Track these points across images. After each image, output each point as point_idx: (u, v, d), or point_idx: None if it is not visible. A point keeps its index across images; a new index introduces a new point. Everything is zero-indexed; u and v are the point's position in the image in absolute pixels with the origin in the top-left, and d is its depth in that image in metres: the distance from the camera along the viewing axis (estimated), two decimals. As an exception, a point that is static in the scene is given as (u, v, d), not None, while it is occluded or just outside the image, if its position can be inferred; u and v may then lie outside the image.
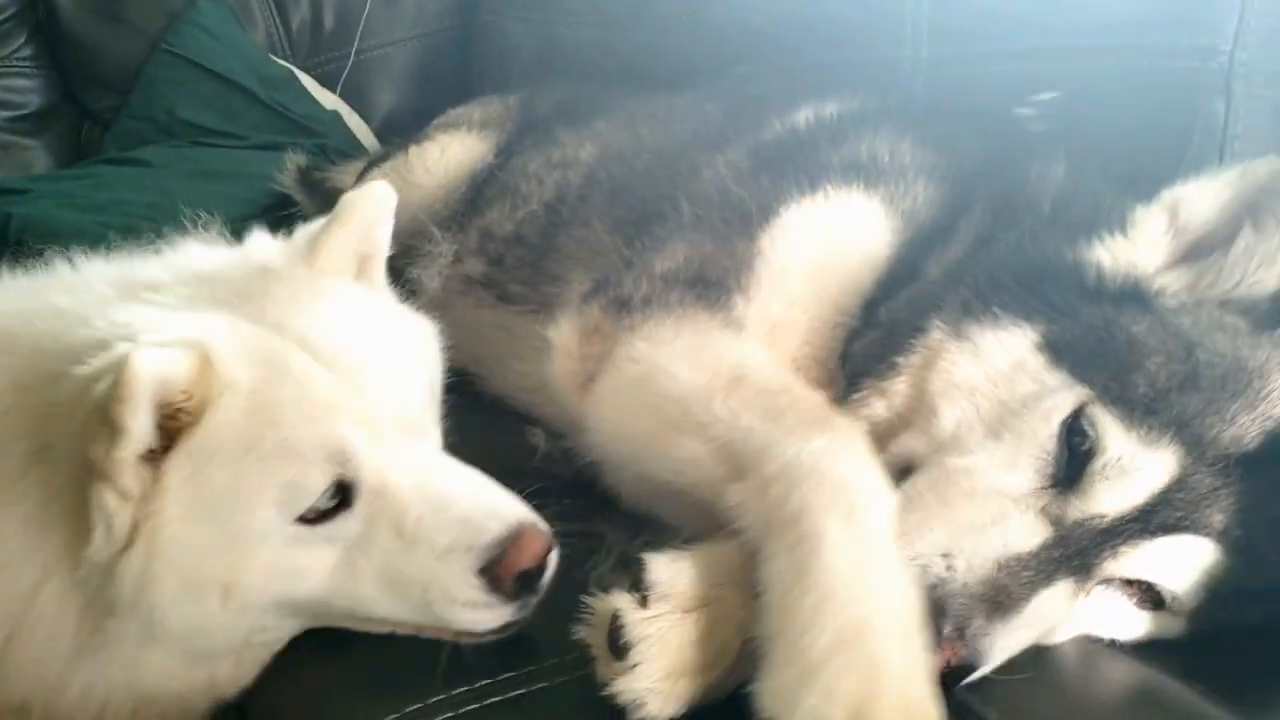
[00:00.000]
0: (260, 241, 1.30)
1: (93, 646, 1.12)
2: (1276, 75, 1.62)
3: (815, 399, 1.25)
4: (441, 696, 1.14)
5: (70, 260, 1.33)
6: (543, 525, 1.15)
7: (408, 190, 2.22)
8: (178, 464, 1.04)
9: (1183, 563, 1.15)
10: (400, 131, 2.84)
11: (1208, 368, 1.18)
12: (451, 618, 1.13)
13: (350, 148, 2.98)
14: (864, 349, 1.37)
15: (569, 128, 2.09)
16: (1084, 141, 1.62)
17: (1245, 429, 1.16)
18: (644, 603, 1.08)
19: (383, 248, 1.31)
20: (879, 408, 1.30)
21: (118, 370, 0.97)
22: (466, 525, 1.11)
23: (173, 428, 1.03)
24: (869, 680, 0.95)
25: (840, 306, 1.40)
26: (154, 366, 0.97)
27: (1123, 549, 1.14)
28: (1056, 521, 1.14)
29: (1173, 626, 1.21)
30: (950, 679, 1.04)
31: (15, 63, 3.04)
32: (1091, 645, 1.21)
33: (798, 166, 1.52)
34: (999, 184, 1.47)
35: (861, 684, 0.95)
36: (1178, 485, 1.14)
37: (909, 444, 1.26)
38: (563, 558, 1.18)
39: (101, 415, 1.00)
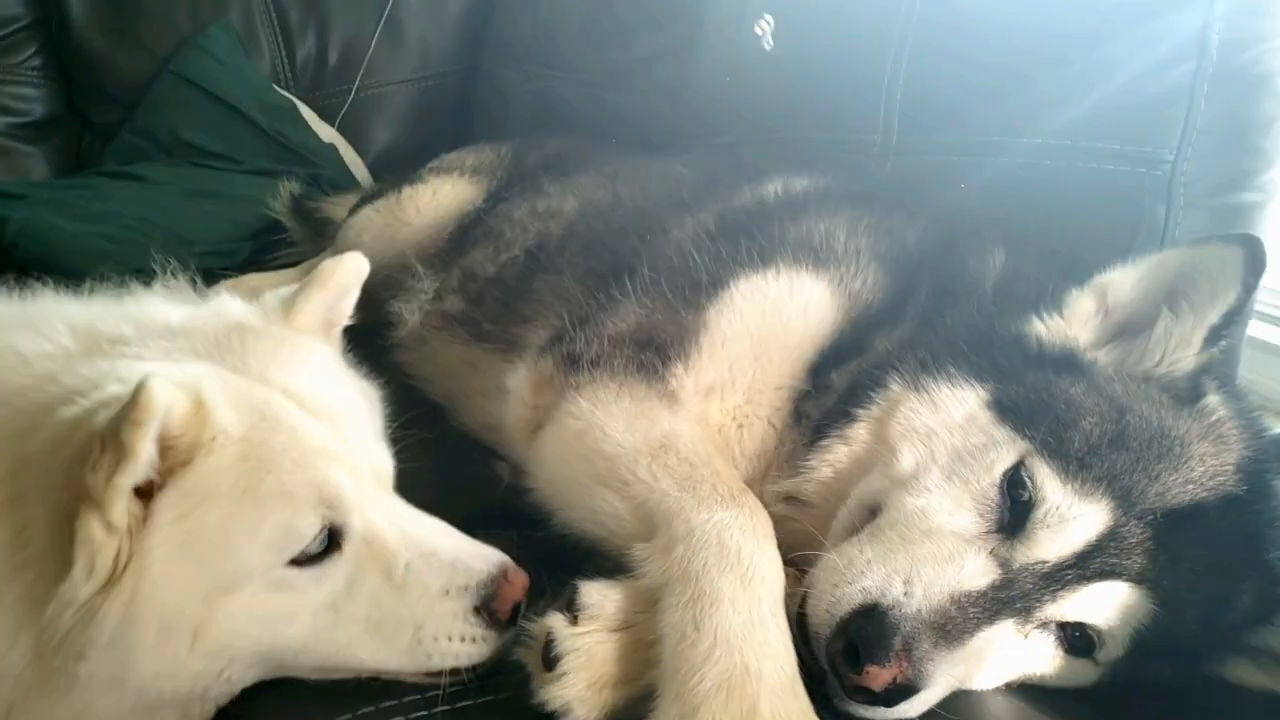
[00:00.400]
0: (228, 300, 1.34)
1: (46, 687, 1.10)
2: (1215, 186, 1.73)
3: (731, 476, 1.35)
4: (394, 701, 1.21)
5: (27, 290, 1.35)
6: (515, 564, 1.24)
7: (397, 228, 2.33)
8: (169, 503, 1.06)
9: (1114, 607, 1.25)
10: (394, 168, 2.94)
11: (1136, 430, 1.29)
12: (443, 653, 1.19)
13: (344, 180, 3.07)
14: (818, 407, 1.48)
15: (555, 180, 2.19)
16: (1036, 230, 1.73)
17: (1169, 487, 1.26)
18: (574, 621, 1.18)
19: (346, 315, 1.39)
20: (841, 453, 1.42)
21: (132, 395, 0.99)
22: (455, 568, 1.20)
23: (163, 466, 1.05)
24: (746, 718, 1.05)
25: (783, 374, 1.51)
26: (164, 395, 1.00)
27: (1061, 593, 1.24)
28: (1004, 565, 1.24)
29: (1093, 674, 1.31)
30: (892, 696, 1.13)
31: (23, 71, 3.12)
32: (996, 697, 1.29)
33: (755, 239, 1.62)
34: (945, 270, 1.58)
35: None
36: (1110, 535, 1.24)
37: (873, 484, 1.36)
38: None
39: (103, 443, 1.01)
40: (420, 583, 1.18)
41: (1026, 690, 1.31)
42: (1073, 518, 1.24)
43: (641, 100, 2.69)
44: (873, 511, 1.34)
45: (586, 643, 1.16)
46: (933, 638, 1.16)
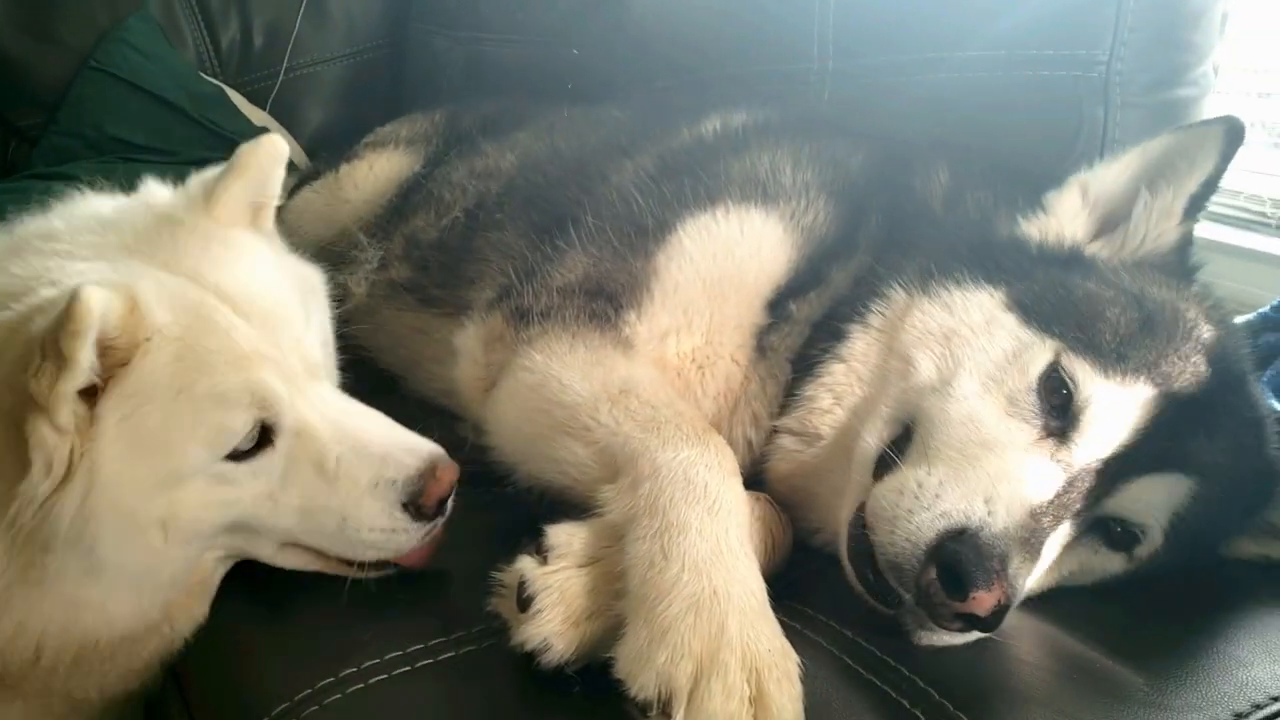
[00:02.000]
0: (155, 188, 1.37)
1: (25, 581, 1.16)
2: (1150, 83, 1.74)
3: (694, 417, 1.34)
4: (375, 660, 1.20)
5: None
6: (448, 457, 1.29)
7: (338, 206, 2.31)
8: (113, 405, 1.10)
9: (1161, 497, 1.27)
10: (330, 147, 2.86)
11: (1156, 314, 1.31)
12: (367, 543, 1.25)
13: (279, 163, 3.00)
14: (783, 338, 1.47)
15: (492, 139, 2.16)
16: (979, 142, 1.73)
17: (1197, 367, 1.28)
18: (544, 561, 1.18)
19: (274, 197, 1.39)
20: (839, 373, 1.40)
21: (67, 305, 1.02)
22: (385, 462, 1.24)
23: (104, 367, 1.09)
24: (714, 639, 1.04)
25: (741, 313, 1.49)
26: (99, 303, 1.03)
27: (1116, 488, 1.25)
28: (1065, 468, 1.23)
29: (1128, 567, 1.32)
30: (995, 617, 1.12)
31: (-61, 80, 3.03)
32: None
33: (699, 179, 1.60)
34: (893, 193, 1.57)
35: (707, 642, 1.04)
36: (1156, 422, 1.24)
37: (895, 399, 1.34)
38: (487, 540, 1.29)
39: (43, 351, 1.05)
40: (350, 475, 1.23)
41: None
42: (1119, 410, 1.24)
43: (574, 55, 2.66)
44: (906, 427, 1.32)
45: (558, 580, 1.15)
46: (1020, 553, 1.15)
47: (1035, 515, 1.18)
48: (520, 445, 1.43)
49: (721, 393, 1.50)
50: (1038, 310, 1.32)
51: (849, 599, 1.27)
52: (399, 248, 2.06)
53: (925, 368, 1.32)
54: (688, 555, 1.11)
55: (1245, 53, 2.04)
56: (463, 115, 2.43)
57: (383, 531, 1.24)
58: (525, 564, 1.17)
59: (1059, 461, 1.23)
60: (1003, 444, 1.24)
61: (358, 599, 1.28)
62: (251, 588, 1.35)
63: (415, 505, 1.25)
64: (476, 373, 1.58)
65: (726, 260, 1.50)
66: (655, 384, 1.39)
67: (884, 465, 1.29)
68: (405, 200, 2.19)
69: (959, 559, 1.12)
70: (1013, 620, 1.21)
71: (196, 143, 2.95)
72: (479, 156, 2.12)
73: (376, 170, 2.33)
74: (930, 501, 1.17)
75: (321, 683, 1.17)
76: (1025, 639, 1.22)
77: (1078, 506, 1.22)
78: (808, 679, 1.08)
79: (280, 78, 3.25)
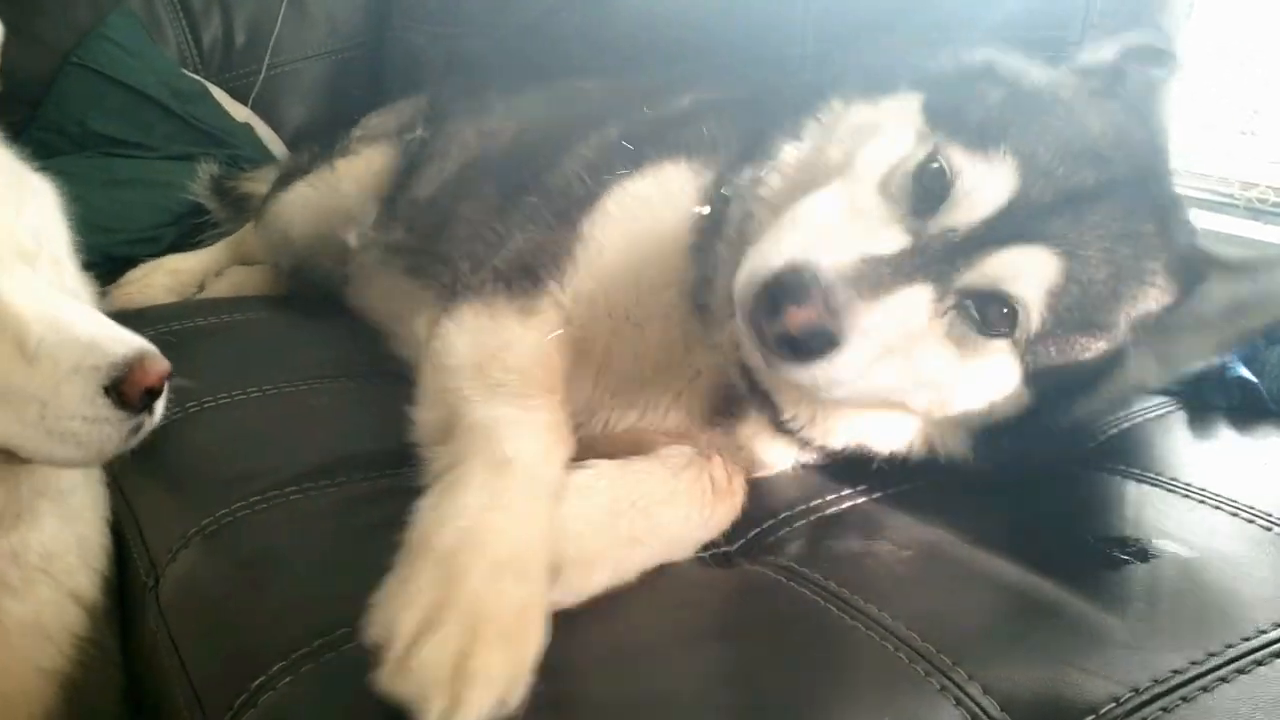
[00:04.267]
0: None
1: None
2: (1120, 64, 1.78)
3: (541, 381, 1.34)
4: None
5: None
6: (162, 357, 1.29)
7: (335, 198, 2.33)
8: None
9: (1030, 273, 1.24)
10: (313, 142, 2.89)
11: (1030, 94, 1.35)
12: (66, 433, 1.24)
13: (262, 157, 3.03)
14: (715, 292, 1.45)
15: (503, 98, 2.23)
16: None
17: (1071, 148, 1.27)
18: None
19: None
20: (774, 182, 1.43)
21: None
22: (91, 347, 1.24)
23: None
24: (450, 592, 1.03)
25: (667, 269, 1.49)
26: None
27: (975, 258, 1.24)
28: (915, 234, 1.25)
29: (1016, 371, 1.29)
30: (814, 343, 1.15)
31: (-82, 76, 3.03)
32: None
33: (643, 151, 1.62)
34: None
35: (441, 595, 1.02)
36: (1020, 198, 1.24)
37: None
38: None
39: None
40: (51, 357, 1.21)
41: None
42: (978, 184, 1.25)
43: (558, 47, 2.69)
44: None
45: None
46: (848, 290, 1.17)
47: (870, 262, 1.20)
48: (427, 423, 1.40)
49: (662, 346, 1.50)
50: (938, 110, 1.35)
51: (841, 551, 1.32)
52: (400, 209, 2.11)
53: (835, 156, 1.36)
54: (458, 509, 1.11)
55: (1213, 35, 2.09)
56: (447, 96, 2.46)
57: (85, 420, 1.23)
58: None
59: (910, 230, 1.25)
60: (855, 211, 1.27)
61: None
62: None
63: (119, 392, 1.24)
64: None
65: (645, 214, 1.52)
66: (529, 349, 1.40)
67: None
68: (403, 172, 2.23)
69: (778, 282, 1.16)
70: (994, 569, 1.26)
71: (178, 138, 2.97)
72: (469, 125, 2.17)
73: (373, 166, 2.35)
74: (771, 248, 1.21)
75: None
76: (1009, 588, 1.25)
77: (932, 269, 1.23)
78: (779, 624, 1.12)
79: (262, 74, 3.27)
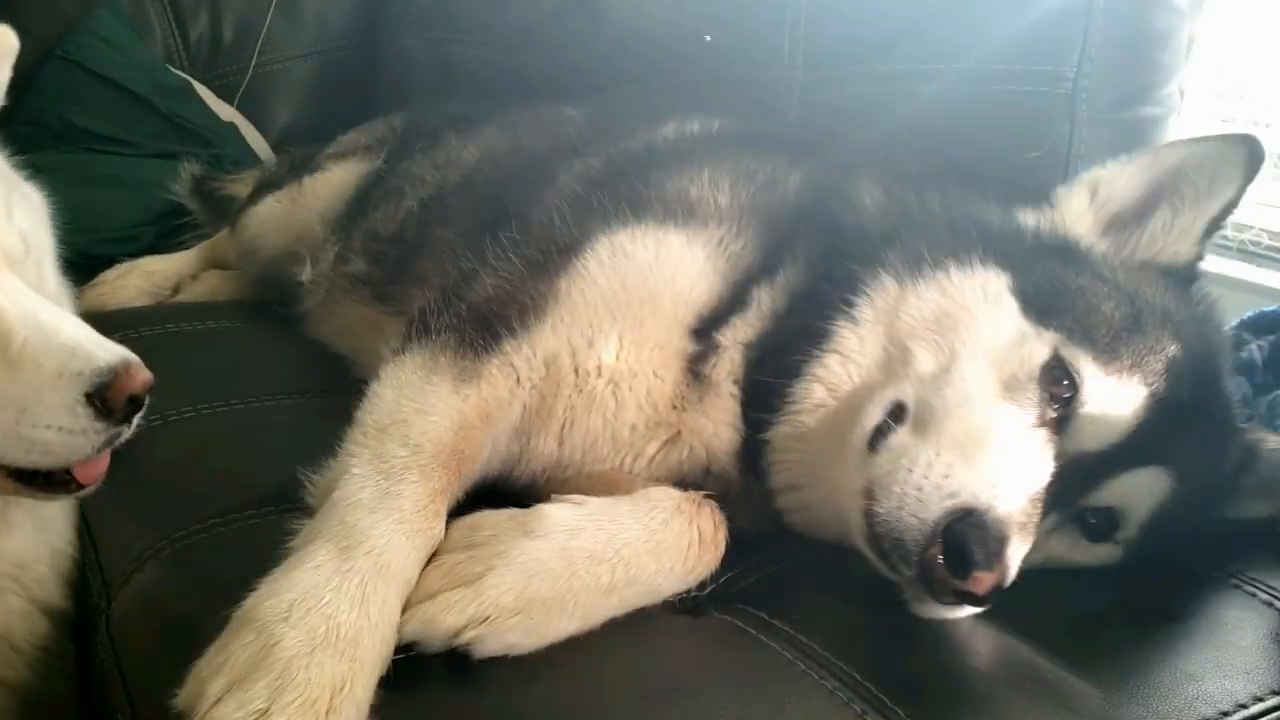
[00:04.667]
0: None
1: None
2: (1116, 101, 1.76)
3: (445, 458, 1.28)
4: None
5: None
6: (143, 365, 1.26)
7: (300, 212, 2.31)
8: None
9: (1143, 491, 1.30)
10: (298, 145, 2.88)
11: (1149, 314, 1.34)
12: (43, 442, 1.20)
13: (246, 158, 2.98)
14: (713, 365, 1.41)
15: (458, 131, 2.15)
16: (943, 154, 1.72)
17: (1183, 366, 1.30)
18: None
19: None
20: (833, 365, 1.36)
21: None
22: (75, 353, 1.20)
23: None
24: (259, 661, 1.02)
25: (658, 336, 1.42)
26: None
27: (1101, 483, 1.28)
28: (1058, 458, 1.24)
29: (1111, 556, 1.34)
30: (991, 596, 1.13)
31: (-102, 65, 2.97)
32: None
33: (632, 191, 1.55)
34: (824, 218, 1.52)
35: (250, 662, 1.02)
36: (1144, 419, 1.27)
37: (893, 395, 1.31)
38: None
39: None
40: (34, 360, 1.19)
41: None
42: (1114, 407, 1.26)
43: (549, 56, 2.65)
44: (894, 416, 1.29)
45: None
46: (1018, 537, 1.16)
47: (1034, 501, 1.20)
48: (315, 484, 1.34)
49: (643, 405, 1.43)
50: (1037, 298, 1.33)
51: (810, 602, 1.28)
52: (358, 241, 2.04)
53: (924, 359, 1.31)
54: (290, 583, 1.10)
55: (1209, 77, 2.06)
56: (427, 115, 2.42)
57: (61, 431, 1.20)
58: None
59: (1054, 450, 1.24)
60: (1002, 429, 1.24)
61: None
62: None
63: (102, 399, 1.20)
64: None
65: (638, 285, 1.43)
66: (450, 420, 1.32)
67: (878, 438, 1.28)
68: (366, 196, 2.18)
69: (965, 539, 1.13)
70: (966, 625, 1.22)
71: (161, 135, 2.92)
72: (441, 148, 2.11)
73: (337, 181, 2.32)
74: (940, 481, 1.18)
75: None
76: (979, 645, 1.22)
77: (1067, 495, 1.25)
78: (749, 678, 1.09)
79: (249, 73, 3.22)
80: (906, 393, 1.30)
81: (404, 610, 1.14)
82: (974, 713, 1.11)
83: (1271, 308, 1.76)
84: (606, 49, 2.49)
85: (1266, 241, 2.07)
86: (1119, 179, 1.46)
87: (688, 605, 1.30)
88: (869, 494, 1.22)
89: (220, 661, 1.03)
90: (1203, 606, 1.33)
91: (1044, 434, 1.25)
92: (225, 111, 3.12)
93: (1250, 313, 1.75)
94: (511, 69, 2.78)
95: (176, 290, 2.45)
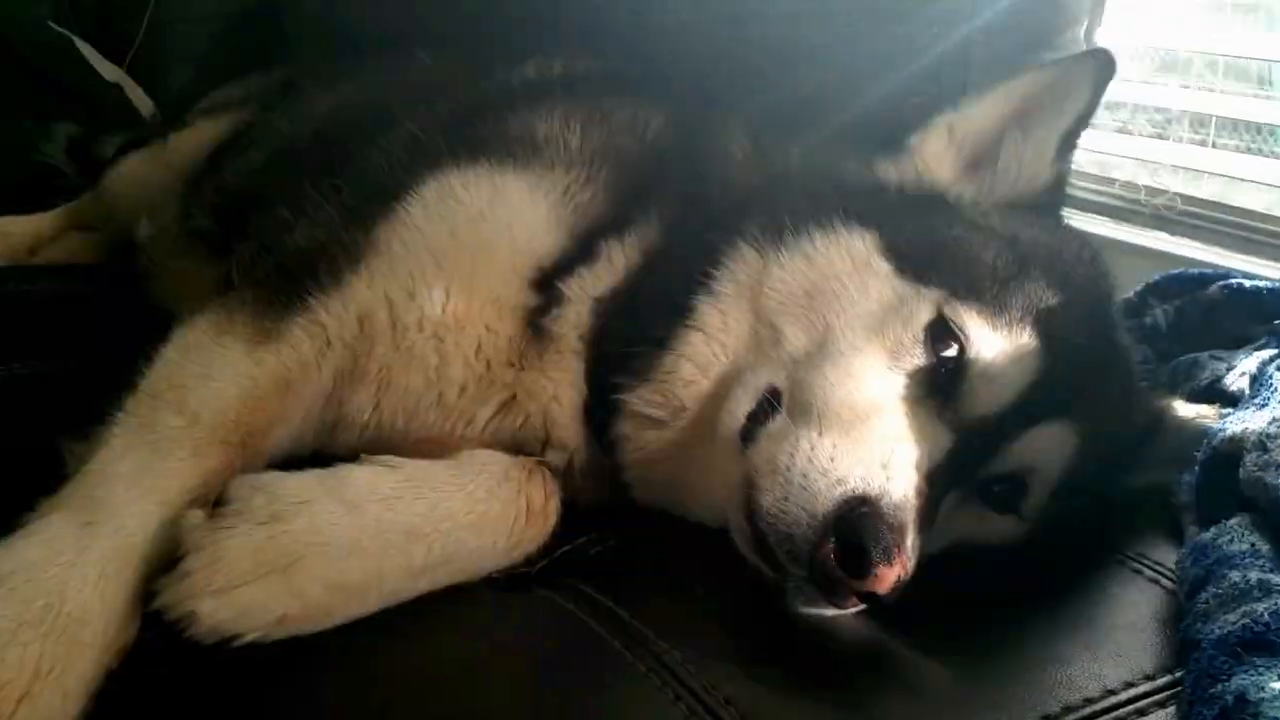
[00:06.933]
0: None
1: None
2: (1016, 45, 1.63)
3: (224, 429, 1.16)
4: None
5: None
6: None
7: (165, 171, 2.17)
8: None
9: (1047, 451, 1.17)
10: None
11: (1032, 258, 1.22)
12: None
13: (130, 121, 2.83)
14: (557, 318, 1.29)
15: (316, 84, 2.02)
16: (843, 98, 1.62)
17: (1074, 311, 1.19)
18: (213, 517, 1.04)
19: None
20: (698, 343, 1.23)
21: None
22: None
23: None
24: None
25: (491, 288, 1.29)
26: None
27: (1003, 447, 1.15)
28: (954, 427, 1.12)
29: (1017, 531, 1.21)
30: (894, 593, 1.00)
31: None
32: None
33: (474, 133, 1.41)
34: (688, 167, 1.40)
35: None
36: (1041, 373, 1.14)
37: (765, 378, 1.18)
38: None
39: None
40: None
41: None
42: (1009, 361, 1.14)
43: (459, 14, 2.51)
44: (771, 399, 1.16)
45: (219, 538, 1.02)
46: (918, 522, 1.03)
47: (930, 481, 1.07)
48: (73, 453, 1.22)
49: (471, 362, 1.29)
50: (911, 256, 1.21)
51: (645, 581, 1.15)
52: (207, 197, 1.91)
53: (795, 335, 1.19)
54: (10, 558, 1.00)
55: (1128, 38, 1.94)
56: (304, 69, 2.28)
57: None
58: (193, 518, 1.03)
59: (947, 421, 1.12)
60: (890, 403, 1.12)
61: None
62: None
63: None
64: None
65: (470, 233, 1.29)
66: (238, 387, 1.19)
67: (754, 427, 1.15)
68: (224, 151, 2.05)
69: (861, 532, 0.99)
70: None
71: (37, 95, 2.77)
72: (300, 99, 1.97)
73: (205, 137, 2.18)
74: (825, 465, 1.04)
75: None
76: (830, 630, 1.09)
77: (966, 470, 1.13)
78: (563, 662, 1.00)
79: (140, 34, 3.04)
80: (779, 376, 1.18)
81: (192, 588, 1.00)
82: (815, 711, 0.98)
83: (1176, 270, 1.64)
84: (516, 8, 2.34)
85: (1180, 206, 1.95)
86: (974, 115, 1.36)
87: (512, 581, 1.17)
88: (749, 485, 1.09)
89: None
90: (1084, 584, 1.20)
91: (935, 403, 1.13)
92: (110, 71, 2.96)
93: (1158, 276, 1.63)
94: (423, 27, 2.63)
95: (33, 252, 2.31)
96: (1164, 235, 1.98)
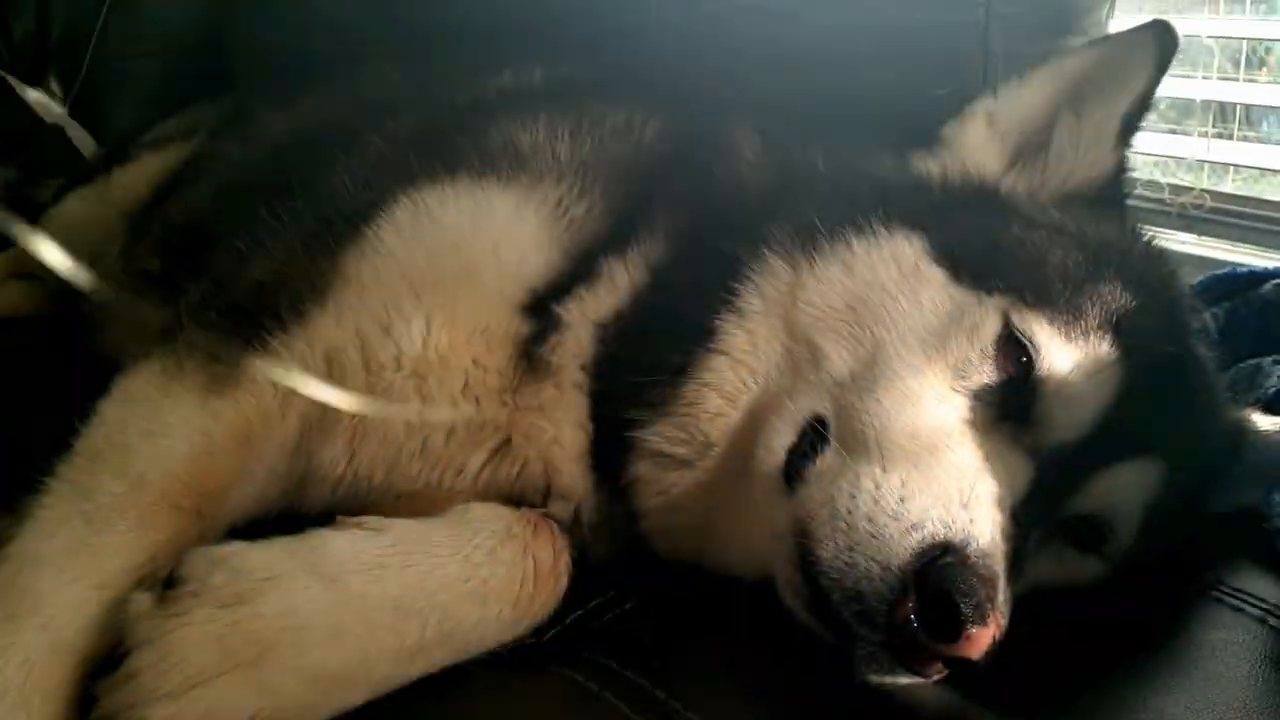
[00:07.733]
0: None
1: None
2: (1036, 28, 1.51)
3: (171, 495, 1.01)
4: None
5: None
6: None
7: (108, 209, 2.04)
8: None
9: (1132, 488, 1.03)
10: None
11: (1103, 256, 1.09)
12: None
13: (71, 164, 2.66)
14: (554, 347, 1.15)
15: (270, 108, 1.88)
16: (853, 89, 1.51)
17: (1153, 319, 1.06)
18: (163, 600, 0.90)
19: None
20: (723, 368, 1.09)
21: None
22: None
23: None
24: None
25: (477, 318, 1.15)
26: None
27: (1087, 478, 1.01)
28: (1033, 455, 0.98)
29: (1099, 571, 1.07)
30: (987, 659, 0.85)
31: None
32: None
33: (447, 147, 1.27)
34: (692, 172, 1.26)
35: None
36: (1125, 395, 1.00)
37: (807, 405, 1.03)
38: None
39: None
40: None
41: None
42: (1087, 377, 1.00)
43: (420, 43, 2.38)
44: (815, 428, 1.02)
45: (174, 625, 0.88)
46: (1008, 571, 0.88)
47: (1015, 520, 0.92)
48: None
49: (459, 402, 1.14)
50: (968, 259, 1.06)
51: (675, 647, 0.99)
52: (154, 235, 1.78)
53: (837, 354, 1.04)
54: None
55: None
56: (258, 95, 2.14)
57: None
58: (139, 603, 0.89)
59: (1025, 448, 0.98)
60: (958, 429, 0.97)
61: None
62: None
63: None
64: None
65: (450, 257, 1.15)
66: (187, 446, 1.05)
67: (800, 463, 1.01)
68: (170, 185, 1.92)
69: (948, 586, 0.84)
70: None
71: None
72: (253, 124, 1.83)
73: (151, 171, 2.05)
74: (895, 507, 0.89)
75: None
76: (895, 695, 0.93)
77: (1052, 503, 0.98)
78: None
79: (81, 73, 2.91)
80: (823, 402, 1.03)
81: (140, 692, 0.85)
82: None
83: (1224, 270, 1.51)
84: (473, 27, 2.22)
85: (1209, 204, 1.83)
86: (1019, 100, 1.23)
87: (520, 657, 1.01)
88: (801, 533, 0.94)
89: None
90: (1175, 626, 1.05)
91: (1009, 428, 0.99)
92: (53, 114, 2.81)
93: (1203, 278, 1.50)
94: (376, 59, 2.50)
95: (-31, 301, 2.12)
96: (1190, 237, 1.85)
